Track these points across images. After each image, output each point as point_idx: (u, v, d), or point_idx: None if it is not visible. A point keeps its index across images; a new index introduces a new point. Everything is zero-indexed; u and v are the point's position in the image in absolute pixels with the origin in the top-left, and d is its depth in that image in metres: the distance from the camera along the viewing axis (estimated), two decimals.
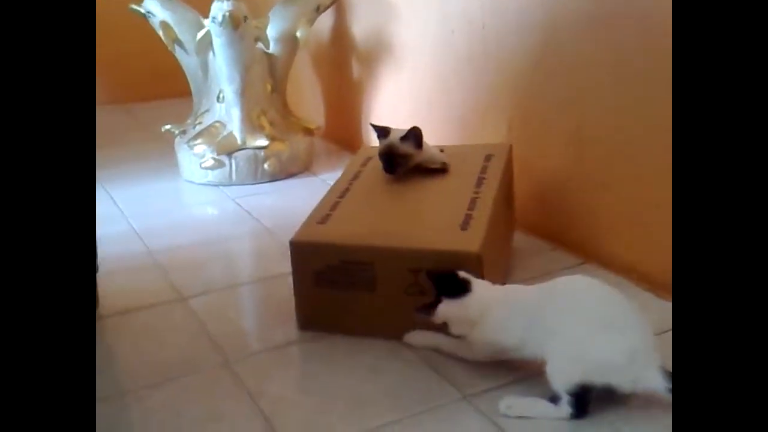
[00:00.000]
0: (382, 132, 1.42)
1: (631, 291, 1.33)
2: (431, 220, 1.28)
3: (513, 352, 1.03)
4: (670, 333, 1.13)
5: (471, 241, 1.16)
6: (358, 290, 1.19)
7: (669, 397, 0.92)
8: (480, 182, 1.37)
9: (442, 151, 1.46)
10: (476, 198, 1.30)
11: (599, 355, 0.94)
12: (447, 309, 1.07)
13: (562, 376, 0.96)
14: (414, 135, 1.39)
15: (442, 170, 1.42)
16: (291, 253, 1.23)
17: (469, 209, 1.26)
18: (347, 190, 1.39)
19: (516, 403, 0.99)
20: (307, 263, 1.21)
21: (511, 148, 1.50)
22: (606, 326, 0.96)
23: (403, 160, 1.40)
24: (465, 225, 1.22)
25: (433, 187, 1.39)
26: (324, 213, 1.30)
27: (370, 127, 1.47)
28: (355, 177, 1.44)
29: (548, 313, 0.99)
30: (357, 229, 1.25)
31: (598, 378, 0.95)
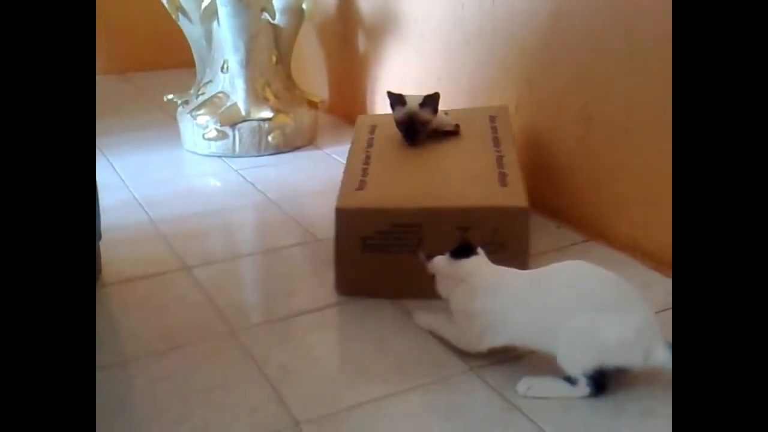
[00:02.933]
0: (398, 99, 1.40)
1: (636, 269, 1.34)
2: (468, 180, 1.28)
3: (500, 335, 1.02)
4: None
5: (516, 197, 1.19)
6: (404, 253, 1.18)
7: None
8: (496, 142, 1.39)
9: (446, 114, 1.46)
10: (501, 157, 1.33)
11: (610, 337, 0.94)
12: (440, 263, 1.07)
13: (576, 363, 0.96)
14: (432, 101, 1.37)
15: (455, 132, 1.42)
16: (337, 220, 1.20)
17: (499, 167, 1.29)
18: (368, 157, 1.36)
19: (535, 384, 0.99)
20: (353, 230, 1.20)
21: (507, 108, 1.52)
22: (610, 307, 0.96)
23: (424, 127, 1.38)
24: (503, 182, 1.24)
25: (453, 149, 1.40)
26: (357, 180, 1.28)
27: (385, 96, 1.45)
28: (370, 145, 1.42)
29: (547, 302, 0.98)
30: (401, 192, 1.25)
31: (611, 359, 0.95)
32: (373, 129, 1.49)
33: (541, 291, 1.00)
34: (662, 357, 0.94)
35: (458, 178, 1.29)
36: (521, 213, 1.16)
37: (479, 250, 1.06)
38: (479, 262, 1.05)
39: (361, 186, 1.25)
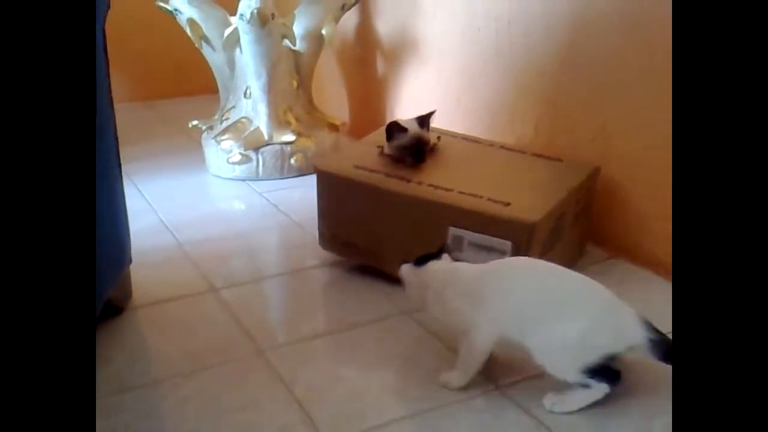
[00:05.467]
0: (399, 128, 1.43)
1: (659, 285, 1.34)
2: (535, 165, 1.45)
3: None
4: None
5: (583, 163, 1.45)
6: (560, 240, 1.35)
7: (650, 349, 0.94)
8: (473, 140, 1.57)
9: None
10: (502, 146, 1.53)
11: (574, 335, 0.95)
12: (405, 270, 1.11)
13: (565, 369, 0.97)
14: (427, 121, 1.47)
15: (435, 147, 1.50)
16: (535, 233, 1.21)
17: (521, 152, 1.50)
18: (437, 187, 1.32)
19: (559, 400, 0.99)
20: (541, 236, 1.24)
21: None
22: (567, 303, 0.98)
23: (427, 146, 1.46)
24: (554, 158, 1.46)
25: (464, 156, 1.50)
26: (490, 203, 1.26)
27: (431, 113, 1.51)
28: (407, 180, 1.36)
29: (515, 291, 1.00)
30: (536, 192, 1.33)
31: (589, 357, 0.95)
32: (358, 167, 1.42)
33: (507, 279, 1.03)
34: (636, 334, 0.95)
35: (530, 168, 1.44)
36: (598, 171, 1.44)
37: (444, 255, 1.10)
38: (439, 263, 1.08)
39: (505, 203, 1.26)
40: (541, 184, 1.37)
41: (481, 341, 1.01)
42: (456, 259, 1.10)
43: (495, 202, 1.26)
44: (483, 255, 1.24)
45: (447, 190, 1.31)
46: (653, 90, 1.37)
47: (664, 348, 0.95)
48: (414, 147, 1.42)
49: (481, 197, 1.27)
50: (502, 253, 1.22)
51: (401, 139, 1.43)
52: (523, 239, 1.20)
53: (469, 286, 1.03)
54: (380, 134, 1.49)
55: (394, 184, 1.34)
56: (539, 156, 1.47)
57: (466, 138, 1.59)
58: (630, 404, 0.99)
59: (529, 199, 1.28)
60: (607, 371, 0.96)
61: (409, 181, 1.35)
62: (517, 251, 1.20)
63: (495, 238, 1.23)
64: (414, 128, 1.44)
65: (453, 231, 1.26)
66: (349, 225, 1.42)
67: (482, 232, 1.24)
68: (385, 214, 1.35)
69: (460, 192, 1.29)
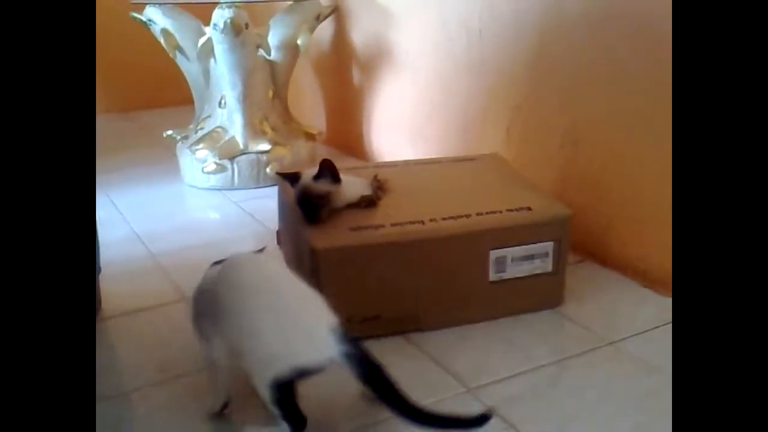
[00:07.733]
0: (293, 178, 1.24)
1: (629, 287, 1.35)
2: (477, 172, 1.46)
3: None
4: (669, 326, 1.15)
5: (495, 156, 1.55)
6: None
7: (349, 364, 0.88)
8: (397, 165, 1.56)
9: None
10: (420, 161, 1.59)
11: (275, 340, 0.89)
12: None
13: (260, 378, 0.91)
14: (327, 169, 1.21)
15: (372, 201, 1.29)
16: (568, 225, 1.24)
17: (440, 161, 1.52)
18: (434, 219, 1.22)
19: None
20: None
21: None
22: (269, 305, 0.92)
23: (323, 200, 1.21)
24: (470, 158, 1.51)
25: (417, 185, 1.40)
26: (504, 212, 1.24)
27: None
28: (394, 224, 1.22)
29: (225, 306, 0.95)
30: (524, 190, 1.35)
31: (284, 366, 0.89)
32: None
33: (219, 287, 1.00)
34: (328, 351, 0.89)
35: (476, 171, 1.47)
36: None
37: None
38: None
39: (527, 208, 1.24)
40: (511, 183, 1.39)
41: (217, 358, 0.98)
42: None
43: (517, 210, 1.23)
44: (526, 266, 1.22)
45: (465, 216, 1.21)
46: (619, 96, 1.39)
47: (362, 366, 0.89)
48: (299, 202, 1.22)
49: (500, 212, 1.23)
50: (545, 256, 1.22)
51: (294, 191, 1.23)
52: (562, 234, 1.22)
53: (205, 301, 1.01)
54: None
55: (414, 232, 1.18)
56: (460, 160, 1.52)
57: (391, 165, 1.56)
58: (613, 413, 0.99)
59: (535, 197, 1.29)
60: (294, 411, 0.92)
61: (422, 222, 1.21)
62: (558, 249, 1.22)
63: (537, 244, 1.20)
64: (306, 179, 1.22)
65: (494, 254, 1.20)
66: (367, 297, 1.20)
67: (521, 244, 1.20)
68: (411, 269, 1.19)
69: (478, 214, 1.22)
